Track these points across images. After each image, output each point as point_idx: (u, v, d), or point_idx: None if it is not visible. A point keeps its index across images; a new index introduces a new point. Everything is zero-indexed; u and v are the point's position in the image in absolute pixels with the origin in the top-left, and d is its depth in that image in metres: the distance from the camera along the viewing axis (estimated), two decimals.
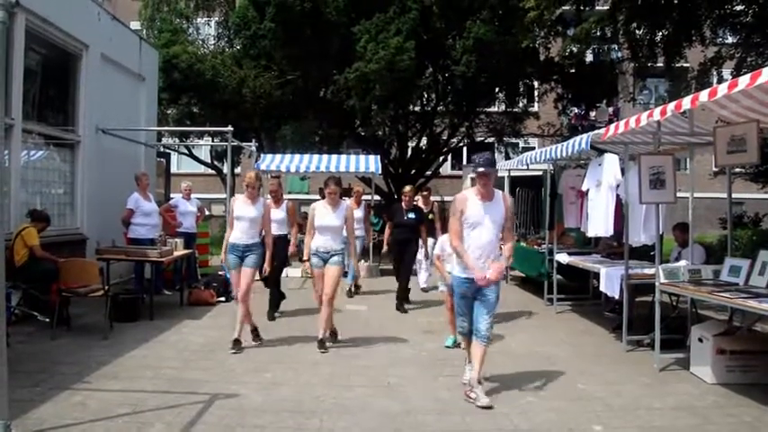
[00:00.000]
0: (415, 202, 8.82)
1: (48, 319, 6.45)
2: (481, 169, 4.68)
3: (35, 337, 6.25)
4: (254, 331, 6.33)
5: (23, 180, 7.89)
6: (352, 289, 9.57)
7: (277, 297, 7.89)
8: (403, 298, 8.46)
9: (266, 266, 6.29)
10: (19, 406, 4.08)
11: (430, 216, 9.12)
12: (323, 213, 6.13)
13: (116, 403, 4.39)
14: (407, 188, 8.75)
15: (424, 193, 9.63)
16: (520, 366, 5.60)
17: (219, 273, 9.45)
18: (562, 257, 8.13)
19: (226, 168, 16.44)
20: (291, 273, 11.70)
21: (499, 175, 12.57)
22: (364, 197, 11.06)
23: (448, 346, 6.28)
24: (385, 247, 8.90)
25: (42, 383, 4.77)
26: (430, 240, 8.71)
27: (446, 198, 16.23)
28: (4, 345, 3.63)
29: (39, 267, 6.64)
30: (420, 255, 9.07)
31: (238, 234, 6.12)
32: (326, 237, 6.11)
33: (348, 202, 6.97)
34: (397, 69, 13.63)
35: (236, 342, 6.02)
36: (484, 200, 4.70)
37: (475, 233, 4.67)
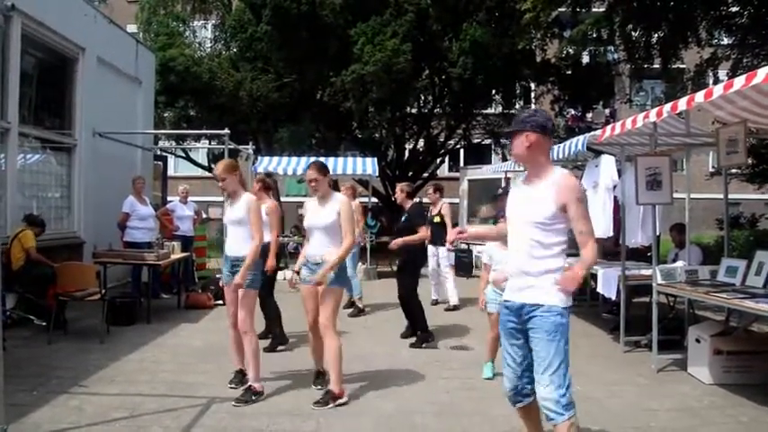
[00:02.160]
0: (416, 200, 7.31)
1: (44, 323, 6.43)
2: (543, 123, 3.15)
3: (32, 341, 6.23)
4: (241, 373, 4.96)
5: (20, 184, 7.88)
6: (360, 306, 8.30)
7: (279, 336, 6.43)
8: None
9: (268, 265, 5.52)
10: (15, 410, 4.06)
11: (436, 219, 8.07)
12: (311, 209, 4.75)
13: (113, 407, 4.37)
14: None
15: (430, 191, 8.57)
16: None
17: (217, 276, 9.43)
18: None
19: None
20: (289, 275, 11.70)
21: (496, 176, 12.69)
22: (362, 199, 11.00)
23: (489, 378, 5.20)
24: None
25: (39, 387, 4.75)
26: (434, 248, 8.22)
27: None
28: (0, 349, 3.62)
29: (35, 271, 6.63)
30: (432, 264, 8.35)
31: (227, 244, 4.90)
32: (315, 241, 4.69)
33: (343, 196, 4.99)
34: (394, 71, 13.65)
35: (240, 373, 4.98)
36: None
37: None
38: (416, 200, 7.20)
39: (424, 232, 6.47)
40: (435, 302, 8.86)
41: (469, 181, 14.25)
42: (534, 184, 3.13)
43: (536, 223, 3.05)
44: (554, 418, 2.94)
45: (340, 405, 4.48)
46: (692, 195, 7.04)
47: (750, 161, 10.65)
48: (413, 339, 6.55)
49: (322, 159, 12.65)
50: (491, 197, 8.02)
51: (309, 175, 4.68)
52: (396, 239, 6.49)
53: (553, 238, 3.05)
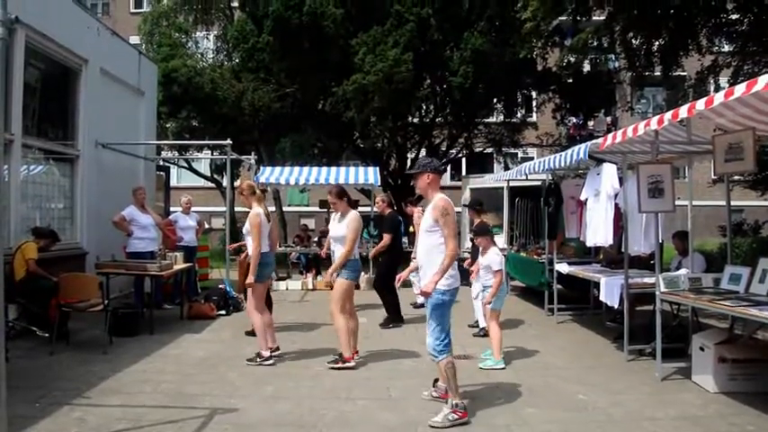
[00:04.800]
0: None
1: (47, 334, 6.43)
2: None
3: (34, 352, 6.23)
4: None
5: (23, 195, 7.90)
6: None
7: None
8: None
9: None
10: (18, 422, 4.06)
11: (410, 229, 9.37)
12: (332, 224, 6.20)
13: (116, 418, 4.37)
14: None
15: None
16: (520, 376, 5.57)
17: (220, 286, 9.44)
18: (562, 267, 8.12)
19: (225, 181, 16.46)
20: (292, 285, 11.71)
21: (498, 185, 12.70)
22: (363, 209, 11.01)
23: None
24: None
25: (41, 399, 4.75)
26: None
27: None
28: (2, 360, 3.62)
29: (38, 282, 6.62)
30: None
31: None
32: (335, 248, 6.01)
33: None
34: (395, 81, 13.71)
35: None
36: None
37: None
38: (391, 210, 8.53)
39: (386, 239, 8.08)
40: (420, 306, 8.98)
41: (471, 190, 14.23)
42: (428, 206, 4.63)
43: (425, 231, 4.54)
44: (434, 358, 4.45)
45: (348, 368, 5.74)
46: (695, 203, 7.03)
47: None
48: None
49: (325, 169, 12.85)
50: (475, 203, 8.31)
51: (330, 200, 6.03)
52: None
53: (435, 241, 4.45)
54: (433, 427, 4.26)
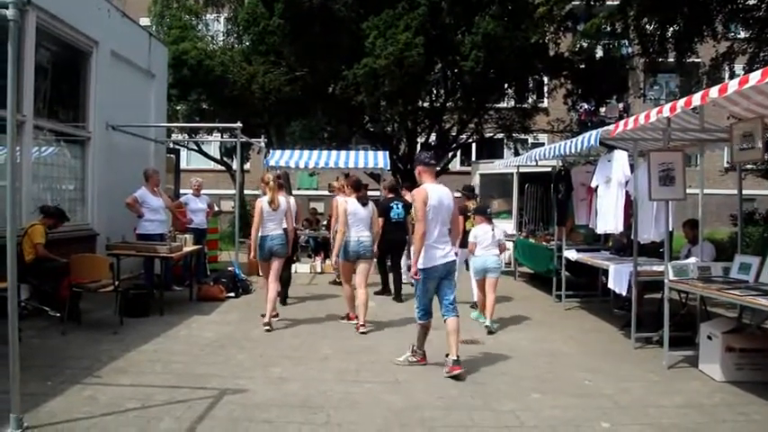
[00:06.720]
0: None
1: (59, 315, 6.51)
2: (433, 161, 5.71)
3: (46, 332, 6.31)
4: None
5: (35, 176, 7.95)
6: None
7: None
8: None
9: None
10: (31, 400, 4.12)
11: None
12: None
13: (126, 397, 4.43)
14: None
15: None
16: (527, 362, 5.60)
17: (229, 269, 9.49)
18: (571, 254, 8.11)
19: (235, 164, 16.50)
20: (301, 268, 11.76)
21: (508, 171, 12.66)
22: (373, 193, 11.02)
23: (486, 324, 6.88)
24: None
25: (53, 378, 4.81)
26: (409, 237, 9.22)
27: (456, 194, 16.21)
28: (16, 339, 3.67)
29: (49, 263, 6.69)
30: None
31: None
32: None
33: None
34: (406, 65, 13.64)
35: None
36: None
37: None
38: (391, 195, 9.14)
39: (378, 224, 8.15)
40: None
41: (481, 175, 14.20)
42: None
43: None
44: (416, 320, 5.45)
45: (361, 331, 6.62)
46: (706, 191, 6.96)
47: (766, 157, 10.55)
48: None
49: (334, 153, 12.84)
50: (466, 189, 8.81)
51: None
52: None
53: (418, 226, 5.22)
54: (395, 363, 5.42)
